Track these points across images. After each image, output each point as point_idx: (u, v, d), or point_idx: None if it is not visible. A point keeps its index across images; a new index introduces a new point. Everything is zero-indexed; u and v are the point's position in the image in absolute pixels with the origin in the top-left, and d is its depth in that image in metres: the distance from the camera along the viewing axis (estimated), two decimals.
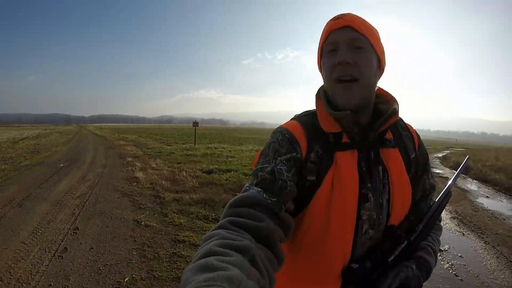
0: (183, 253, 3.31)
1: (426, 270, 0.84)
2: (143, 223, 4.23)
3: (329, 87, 0.82)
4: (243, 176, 7.77)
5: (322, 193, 0.78)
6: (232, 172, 8.27)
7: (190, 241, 3.65)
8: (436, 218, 0.89)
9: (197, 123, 16.07)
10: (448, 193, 0.91)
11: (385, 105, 0.86)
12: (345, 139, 0.82)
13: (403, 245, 0.81)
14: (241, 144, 19.85)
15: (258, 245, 0.61)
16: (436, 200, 0.91)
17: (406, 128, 0.94)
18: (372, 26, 0.83)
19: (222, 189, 6.47)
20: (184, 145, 16.89)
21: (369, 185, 0.81)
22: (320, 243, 0.78)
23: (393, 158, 0.85)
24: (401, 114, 0.89)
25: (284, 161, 0.77)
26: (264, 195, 0.70)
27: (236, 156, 12.07)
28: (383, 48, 0.84)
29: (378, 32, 0.83)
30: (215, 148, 15.31)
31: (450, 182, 0.93)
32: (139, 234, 3.83)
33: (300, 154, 0.80)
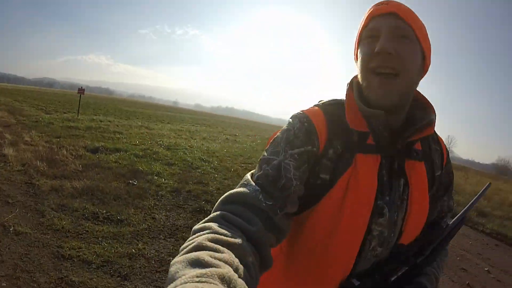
0: (74, 278, 2.63)
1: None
2: (12, 228, 3.28)
3: (364, 79, 0.74)
4: (135, 159, 7.10)
5: (334, 195, 0.72)
6: (121, 153, 7.48)
7: (79, 256, 2.96)
8: (446, 243, 0.85)
9: (83, 90, 13.98)
10: (463, 219, 0.86)
11: (421, 111, 0.78)
12: (369, 141, 0.75)
13: (407, 268, 0.77)
14: (128, 118, 18.27)
15: (249, 244, 0.59)
16: (450, 224, 0.85)
17: (438, 142, 0.88)
18: (419, 18, 0.75)
19: (111, 174, 5.72)
20: (65, 115, 14.70)
21: (387, 198, 0.74)
22: (322, 250, 0.73)
23: (417, 173, 0.78)
24: None
25: (296, 155, 0.71)
26: (261, 197, 0.66)
27: (124, 133, 11.03)
28: (429, 44, 0.77)
29: (425, 27, 0.76)
30: (101, 121, 13.78)
31: (467, 207, 0.87)
32: (7, 249, 2.91)
33: (317, 148, 0.74)
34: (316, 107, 0.80)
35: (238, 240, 0.54)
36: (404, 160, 0.77)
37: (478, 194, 0.92)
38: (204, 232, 0.53)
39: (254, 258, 0.58)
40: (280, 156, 0.72)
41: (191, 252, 0.45)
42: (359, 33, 0.77)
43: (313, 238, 0.75)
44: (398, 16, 0.72)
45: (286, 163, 0.71)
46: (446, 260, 0.91)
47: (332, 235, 0.72)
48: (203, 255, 0.43)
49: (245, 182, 0.70)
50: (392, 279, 0.75)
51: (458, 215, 0.85)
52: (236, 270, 0.45)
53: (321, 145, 0.74)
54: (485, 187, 0.97)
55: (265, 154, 0.75)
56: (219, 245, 0.49)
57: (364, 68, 0.74)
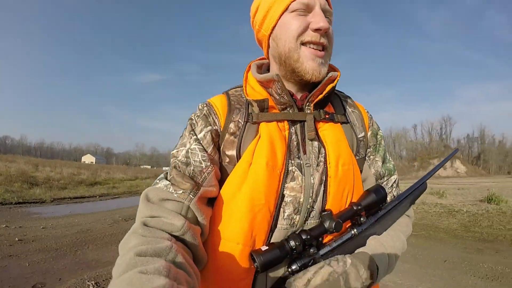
0: None
1: (369, 270, 0.67)
2: None
3: (293, 50, 0.74)
4: None
5: (239, 168, 0.72)
6: None
7: None
8: (402, 211, 0.80)
9: None
10: (422, 184, 0.82)
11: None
12: (272, 109, 0.77)
13: (344, 239, 0.72)
14: None
15: (178, 243, 0.59)
16: (405, 190, 0.81)
17: (355, 106, 0.88)
18: None
19: None
20: None
21: (298, 161, 0.74)
22: (229, 226, 0.70)
23: (333, 134, 0.78)
24: None
25: (202, 138, 0.74)
26: (171, 189, 0.68)
27: None
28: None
29: None
30: None
31: (431, 170, 0.85)
32: None
33: (218, 126, 0.76)
34: (219, 94, 0.84)
35: (166, 244, 0.55)
36: (314, 122, 0.76)
37: (445, 158, 0.89)
38: (130, 246, 0.54)
39: (188, 255, 0.59)
40: (187, 145, 0.74)
41: (124, 273, 0.45)
42: (286, 4, 0.74)
43: (218, 218, 0.72)
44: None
45: (192, 148, 0.73)
46: (407, 231, 0.82)
47: (239, 209, 0.70)
48: (135, 274, 0.43)
49: (157, 181, 0.72)
50: (323, 252, 0.70)
51: (418, 180, 0.82)
52: (172, 277, 0.46)
53: (221, 122, 0.76)
54: (453, 151, 0.97)
55: (174, 150, 0.76)
56: (149, 256, 0.50)
57: (293, 40, 0.73)
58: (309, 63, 0.73)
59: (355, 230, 0.73)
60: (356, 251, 0.72)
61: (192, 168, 0.71)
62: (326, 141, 0.77)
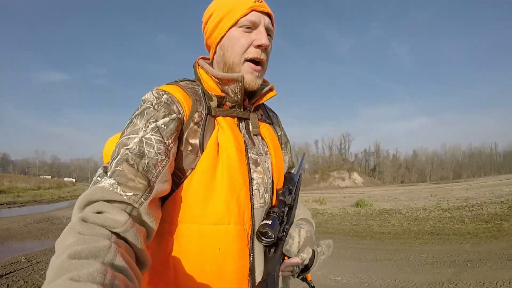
0: None
1: (313, 227, 0.95)
2: None
3: (235, 65, 0.84)
4: None
5: (209, 155, 0.76)
6: None
7: None
8: (299, 189, 0.98)
9: None
10: (301, 174, 1.03)
11: (263, 84, 0.92)
12: (226, 106, 0.87)
13: (288, 209, 0.88)
14: None
15: (120, 241, 0.56)
16: (296, 176, 0.99)
17: (272, 110, 1.09)
18: None
19: None
20: None
21: (255, 150, 0.86)
22: (215, 210, 0.73)
23: (268, 131, 0.94)
24: None
25: (163, 126, 0.72)
26: (119, 189, 0.62)
27: None
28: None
29: None
30: None
31: (299, 167, 1.05)
32: None
33: (182, 114, 0.77)
34: (168, 84, 0.85)
35: (105, 243, 0.50)
36: (257, 120, 0.90)
37: (300, 161, 1.11)
38: (66, 245, 0.50)
39: (129, 255, 0.56)
40: (141, 133, 0.70)
41: (55, 280, 0.41)
42: (237, 18, 0.82)
43: (192, 205, 0.74)
44: (271, 17, 0.87)
45: (147, 137, 0.69)
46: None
47: (211, 191, 0.74)
48: (65, 282, 0.40)
49: (98, 178, 0.65)
50: (286, 220, 0.86)
51: (297, 171, 1.03)
52: (109, 282, 0.43)
53: (186, 111, 0.78)
54: (302, 156, 1.25)
55: (123, 137, 0.70)
56: (84, 258, 0.46)
57: (238, 55, 0.83)
58: (247, 75, 0.83)
59: (290, 202, 0.89)
60: (299, 218, 0.95)
61: (146, 160, 0.67)
62: (266, 136, 0.91)
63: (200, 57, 0.95)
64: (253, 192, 0.80)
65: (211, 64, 0.92)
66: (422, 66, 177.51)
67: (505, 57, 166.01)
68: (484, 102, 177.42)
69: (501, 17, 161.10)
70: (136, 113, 0.76)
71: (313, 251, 0.89)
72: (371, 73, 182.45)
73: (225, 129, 0.80)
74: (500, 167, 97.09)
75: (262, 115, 0.96)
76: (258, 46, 0.82)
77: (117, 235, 0.58)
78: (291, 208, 0.90)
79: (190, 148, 0.77)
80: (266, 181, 0.84)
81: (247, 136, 0.87)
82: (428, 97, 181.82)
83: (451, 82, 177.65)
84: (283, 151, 1.01)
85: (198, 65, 0.91)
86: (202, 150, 0.77)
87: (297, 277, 0.89)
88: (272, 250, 0.81)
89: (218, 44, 0.86)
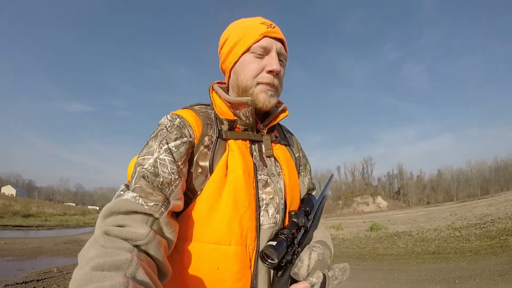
0: None
1: (329, 251, 0.92)
2: None
3: (248, 88, 0.86)
4: None
5: (216, 177, 0.78)
6: None
7: None
8: (321, 212, 0.98)
9: None
10: (324, 196, 1.02)
11: (275, 108, 0.95)
12: (237, 129, 0.88)
13: (303, 231, 0.87)
14: None
15: (141, 254, 0.59)
16: (317, 199, 0.99)
17: (290, 132, 1.10)
18: None
19: None
20: None
21: (265, 171, 0.86)
22: (217, 230, 0.75)
23: (282, 152, 0.94)
24: None
25: (174, 148, 0.76)
26: (140, 201, 0.67)
27: None
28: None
29: None
30: None
31: (323, 189, 1.05)
32: None
33: (193, 138, 0.81)
34: (183, 109, 0.89)
35: (126, 256, 0.53)
36: (270, 142, 0.91)
37: (326, 184, 1.13)
38: (89, 258, 0.52)
39: (150, 267, 0.59)
40: (155, 154, 0.74)
41: None
42: (250, 44, 0.85)
43: (196, 224, 0.76)
44: (283, 43, 0.89)
45: (161, 158, 0.73)
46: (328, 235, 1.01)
47: (214, 211, 0.76)
48: None
49: (121, 192, 0.70)
50: (297, 241, 0.83)
51: (320, 194, 1.02)
52: None
53: (196, 134, 0.81)
54: (330, 176, 1.24)
55: (139, 158, 0.76)
56: (106, 270, 0.48)
57: (251, 79, 0.86)
58: (261, 95, 0.86)
59: (308, 225, 0.88)
60: (315, 240, 0.93)
61: (161, 179, 0.71)
62: (280, 157, 0.91)
63: (216, 82, 0.98)
64: (262, 213, 0.81)
65: (227, 87, 0.96)
66: (439, 84, 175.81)
67: None
68: (505, 113, 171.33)
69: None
70: (152, 136, 0.80)
71: (324, 276, 0.82)
72: (388, 96, 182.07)
73: (235, 151, 0.82)
74: None
75: (277, 137, 0.97)
76: (270, 72, 0.85)
77: (139, 248, 0.60)
78: (307, 230, 0.88)
79: (200, 170, 0.79)
80: (277, 201, 0.84)
81: (258, 158, 0.88)
82: (448, 114, 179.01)
83: (469, 97, 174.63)
84: (302, 173, 1.04)
85: (213, 90, 0.93)
86: (211, 172, 0.79)
87: None
88: (280, 273, 0.80)
89: (232, 68, 0.90)
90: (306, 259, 0.81)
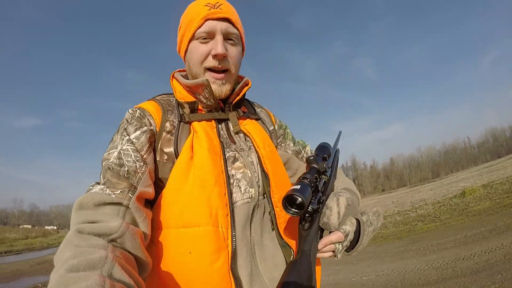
0: None
1: (357, 197, 0.89)
2: None
3: (198, 74, 0.87)
4: None
5: (182, 161, 0.77)
6: None
7: None
8: (337, 162, 0.96)
9: None
10: (337, 149, 1.00)
11: (237, 84, 0.93)
12: (201, 111, 0.88)
13: (323, 180, 0.83)
14: None
15: (117, 250, 0.59)
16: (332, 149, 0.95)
17: (261, 106, 1.08)
18: (238, 14, 0.89)
19: None
20: None
21: (233, 147, 0.85)
22: (186, 214, 0.73)
23: (253, 126, 0.93)
24: None
25: (134, 139, 0.76)
26: (108, 191, 0.68)
27: None
28: (243, 32, 0.93)
29: (239, 19, 0.90)
30: None
31: (334, 143, 1.01)
32: None
33: (153, 126, 0.81)
34: (146, 101, 0.90)
35: (101, 253, 0.53)
36: (237, 119, 0.91)
37: (337, 136, 1.08)
38: (63, 260, 0.53)
39: (128, 262, 0.59)
40: (119, 146, 0.76)
41: None
42: (193, 31, 0.85)
43: (165, 211, 0.75)
44: (230, 21, 0.85)
45: (124, 149, 0.75)
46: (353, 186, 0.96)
47: (191, 196, 0.74)
48: None
49: (90, 187, 0.71)
50: (321, 189, 0.80)
51: (333, 146, 0.97)
52: None
53: (157, 122, 0.82)
54: (338, 133, 1.13)
55: (105, 153, 0.77)
56: (81, 271, 0.49)
57: (199, 65, 0.85)
58: (212, 85, 0.84)
59: (327, 174, 0.86)
60: (339, 188, 0.89)
61: (126, 168, 0.72)
62: (250, 131, 0.90)
63: (177, 70, 0.99)
64: (234, 190, 0.78)
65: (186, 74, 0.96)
66: (387, 74, 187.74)
67: (463, 50, 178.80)
68: (451, 98, 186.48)
69: (453, 11, 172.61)
70: (116, 131, 0.81)
71: (358, 221, 0.78)
72: (338, 90, 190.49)
73: (199, 133, 0.81)
74: (476, 158, 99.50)
75: (245, 112, 0.96)
76: (215, 56, 0.83)
77: (114, 242, 0.61)
78: (328, 178, 0.84)
79: (166, 157, 0.80)
80: (249, 175, 0.82)
81: (226, 136, 0.87)
82: (397, 104, 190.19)
83: (417, 85, 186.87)
84: (282, 143, 1.04)
85: (173, 77, 0.94)
86: (177, 157, 0.79)
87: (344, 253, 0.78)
88: (307, 225, 0.74)
89: (184, 57, 0.92)
90: (335, 206, 0.74)
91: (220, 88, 0.87)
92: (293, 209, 0.71)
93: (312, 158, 0.83)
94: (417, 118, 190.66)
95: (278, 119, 1.09)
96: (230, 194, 0.78)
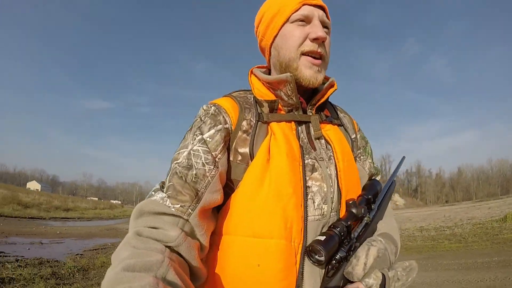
0: None
1: (395, 246, 0.81)
2: None
3: (292, 61, 0.81)
4: None
5: (257, 164, 0.74)
6: None
7: None
8: (388, 200, 0.90)
9: None
10: (393, 181, 0.93)
11: (322, 85, 0.87)
12: (280, 111, 0.83)
13: (364, 223, 0.78)
14: None
15: (173, 255, 0.61)
16: (384, 185, 0.91)
17: (344, 111, 1.00)
18: None
19: None
20: None
21: (313, 155, 0.79)
22: (258, 223, 0.70)
23: (335, 133, 0.86)
24: None
25: (208, 138, 0.74)
26: (168, 202, 0.67)
27: None
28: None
29: None
30: None
31: (393, 173, 0.97)
32: None
33: (229, 124, 0.77)
34: (221, 97, 0.86)
35: (158, 257, 0.55)
36: (319, 123, 0.84)
37: (398, 164, 1.04)
38: (120, 259, 0.55)
39: (182, 269, 0.60)
40: (189, 146, 0.74)
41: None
42: (288, 14, 0.80)
43: (236, 216, 0.73)
44: (325, 10, 0.84)
45: (195, 149, 0.72)
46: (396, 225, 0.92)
47: (264, 204, 0.70)
48: None
49: (152, 192, 0.70)
50: (355, 235, 0.75)
51: (389, 179, 0.94)
52: None
53: (233, 120, 0.78)
54: (401, 159, 1.10)
55: (175, 153, 0.75)
56: (137, 271, 0.51)
57: (294, 49, 0.80)
58: (307, 71, 0.79)
59: (369, 215, 0.79)
60: (378, 233, 0.83)
61: (194, 172, 0.70)
62: (331, 139, 0.83)
63: (256, 66, 0.94)
64: (308, 203, 0.74)
65: (268, 70, 0.93)
66: (464, 77, 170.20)
67: None
68: None
69: None
70: (188, 128, 0.79)
71: (384, 276, 0.73)
72: (410, 90, 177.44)
73: (278, 135, 0.77)
74: None
75: (328, 116, 0.90)
76: (315, 40, 0.79)
77: (171, 249, 0.62)
78: (368, 222, 0.79)
79: (240, 157, 0.76)
80: (325, 190, 0.77)
81: (306, 140, 0.82)
82: (473, 109, 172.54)
83: (496, 91, 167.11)
84: (362, 157, 0.95)
85: (252, 73, 0.90)
86: (252, 159, 0.75)
87: None
88: (331, 272, 0.72)
89: (272, 44, 0.86)
90: (363, 256, 0.71)
91: (316, 75, 0.81)
92: (316, 257, 0.69)
93: (352, 202, 0.78)
94: (493, 126, 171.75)
95: (360, 128, 1.02)
96: (306, 207, 0.73)
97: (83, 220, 20.31)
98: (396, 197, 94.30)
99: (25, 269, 5.39)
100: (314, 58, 0.81)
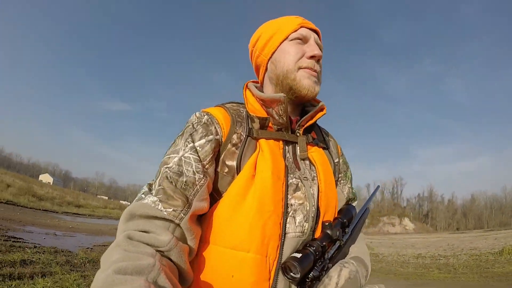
0: None
1: (365, 269, 0.84)
2: None
3: (289, 73, 0.85)
4: None
5: (242, 178, 0.76)
6: None
7: None
8: (361, 225, 0.94)
9: None
10: (367, 208, 0.97)
11: (312, 103, 0.94)
12: (271, 128, 0.86)
13: (337, 245, 0.81)
14: None
15: (164, 259, 0.61)
16: (359, 211, 0.95)
17: (329, 135, 1.04)
18: None
19: None
20: None
21: (298, 174, 0.82)
22: (237, 235, 0.73)
23: (319, 155, 0.90)
24: None
25: (198, 147, 0.76)
26: (160, 206, 0.68)
27: None
28: None
29: None
30: None
31: (367, 200, 1.03)
32: None
33: (220, 136, 0.79)
34: (214, 106, 0.88)
35: (149, 261, 0.56)
36: (305, 144, 0.87)
37: (372, 192, 1.11)
38: (111, 261, 0.55)
39: (172, 273, 0.61)
40: (180, 152, 0.75)
41: None
42: (287, 33, 0.87)
43: (217, 226, 0.75)
44: (319, 34, 0.91)
45: (186, 156, 0.74)
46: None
47: (236, 214, 0.74)
48: None
49: (142, 195, 0.71)
50: (328, 256, 0.78)
51: (363, 205, 0.98)
52: None
53: (224, 132, 0.79)
54: (375, 187, 1.23)
55: (165, 156, 0.77)
56: (128, 274, 0.51)
57: (292, 64, 0.85)
58: (306, 80, 0.84)
59: (343, 239, 0.82)
60: (350, 256, 0.86)
61: (184, 179, 0.71)
62: (316, 161, 0.87)
63: (251, 80, 0.98)
64: (288, 219, 0.76)
65: (262, 86, 0.96)
66: (481, 100, 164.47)
67: None
68: None
69: None
70: (179, 134, 0.81)
71: None
72: (425, 112, 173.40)
73: (266, 152, 0.79)
74: None
75: (314, 139, 0.93)
76: (312, 57, 0.85)
77: (162, 253, 0.63)
78: (341, 245, 0.82)
79: (226, 170, 0.79)
80: (307, 208, 0.80)
81: (291, 160, 0.85)
82: (489, 134, 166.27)
83: None
84: (342, 181, 1.00)
85: (247, 88, 0.92)
86: (238, 172, 0.77)
87: None
88: None
89: (269, 59, 0.90)
90: (335, 277, 0.73)
91: (314, 85, 0.86)
92: (290, 274, 0.71)
93: (328, 224, 0.80)
94: (509, 152, 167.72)
95: (343, 153, 1.06)
96: (284, 224, 0.76)
97: (93, 218, 21.00)
98: (406, 221, 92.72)
99: (42, 255, 6.09)
100: (312, 70, 0.87)
